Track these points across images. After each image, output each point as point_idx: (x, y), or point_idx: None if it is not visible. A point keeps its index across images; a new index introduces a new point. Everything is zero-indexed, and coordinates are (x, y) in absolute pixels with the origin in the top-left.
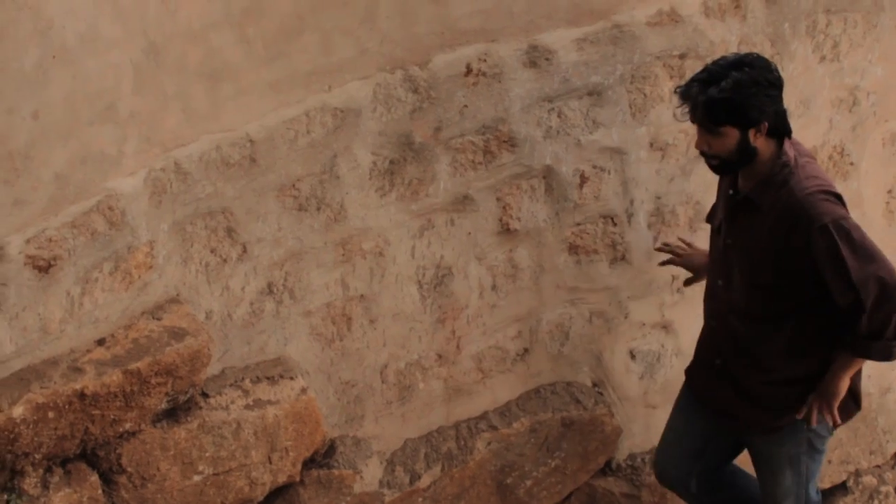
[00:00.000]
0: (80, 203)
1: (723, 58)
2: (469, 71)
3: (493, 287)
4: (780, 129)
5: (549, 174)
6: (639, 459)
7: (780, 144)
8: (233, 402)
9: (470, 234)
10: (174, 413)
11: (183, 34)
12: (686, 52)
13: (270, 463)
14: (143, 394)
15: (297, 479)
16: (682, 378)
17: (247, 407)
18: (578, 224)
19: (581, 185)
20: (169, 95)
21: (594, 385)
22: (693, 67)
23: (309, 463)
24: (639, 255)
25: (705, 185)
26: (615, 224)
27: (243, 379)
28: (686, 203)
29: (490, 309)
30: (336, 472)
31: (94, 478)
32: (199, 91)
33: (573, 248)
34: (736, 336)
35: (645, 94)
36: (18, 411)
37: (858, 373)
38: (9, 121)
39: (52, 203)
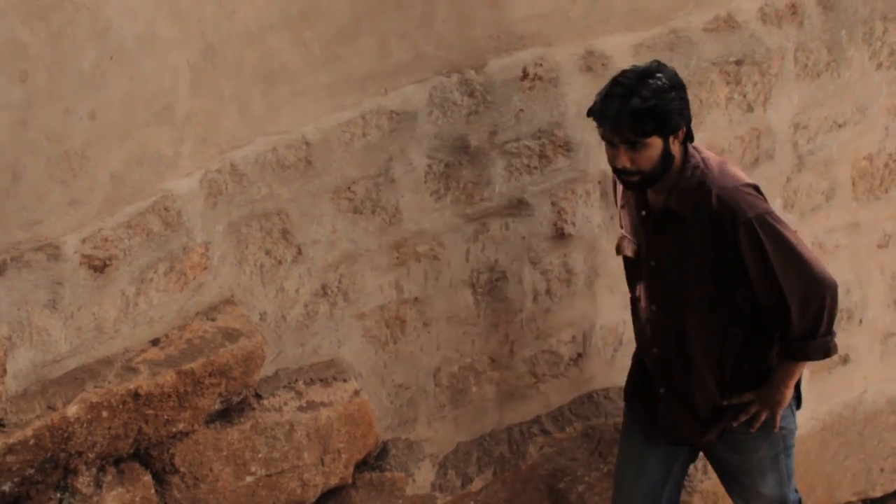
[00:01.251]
0: (135, 203)
1: (626, 71)
2: (525, 75)
3: (548, 291)
4: (689, 135)
5: (604, 179)
6: (689, 466)
7: (686, 149)
8: (286, 404)
9: (524, 238)
10: (227, 414)
11: (240, 36)
12: (742, 58)
13: (323, 465)
14: (196, 394)
15: (349, 481)
16: None
17: (300, 409)
18: None
19: None
20: (225, 97)
21: None
22: (749, 74)
23: (361, 465)
24: None
25: None
26: None
27: (297, 380)
28: None
29: (544, 313)
30: (388, 474)
31: (147, 477)
32: (256, 93)
33: None
34: (683, 359)
35: (701, 101)
36: (73, 410)
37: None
38: (66, 121)
39: (107, 203)
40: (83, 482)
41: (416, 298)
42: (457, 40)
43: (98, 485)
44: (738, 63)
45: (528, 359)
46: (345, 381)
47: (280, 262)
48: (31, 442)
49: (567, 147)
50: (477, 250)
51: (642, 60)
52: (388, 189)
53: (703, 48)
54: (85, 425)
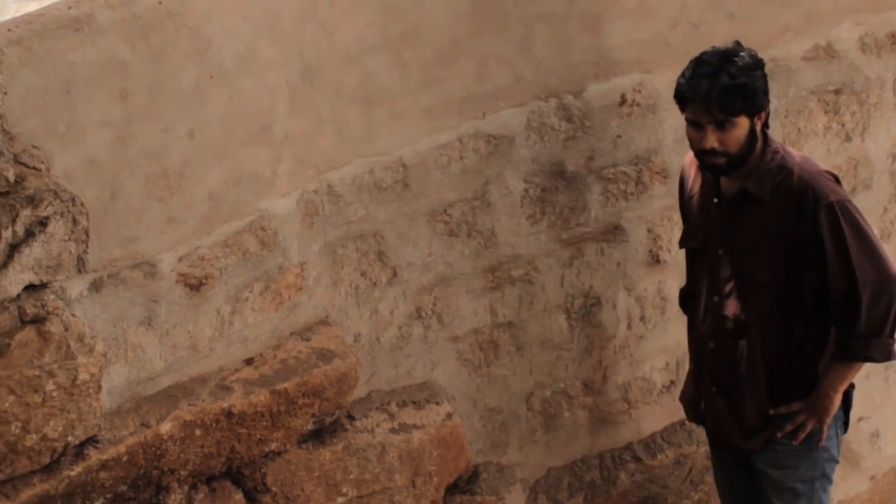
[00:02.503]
0: (232, 222)
1: (706, 51)
2: (623, 101)
3: (642, 318)
4: (769, 117)
5: None
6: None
7: (765, 136)
8: (378, 426)
9: (619, 264)
10: (320, 434)
11: (339, 57)
12: (841, 87)
13: (414, 487)
14: (289, 414)
15: None
16: None
17: (392, 430)
18: None
19: None
20: (323, 118)
21: None
22: (847, 103)
23: (452, 488)
24: None
25: None
26: None
27: (389, 402)
28: None
29: (637, 340)
30: (479, 498)
31: (239, 496)
32: (354, 114)
33: None
34: (739, 356)
35: (799, 129)
36: (166, 428)
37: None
38: (165, 139)
39: (204, 222)
40: (175, 500)
41: (509, 322)
42: (556, 65)
43: (190, 502)
44: (837, 92)
45: (620, 385)
46: (437, 403)
47: (375, 284)
48: (125, 458)
49: (664, 174)
50: (572, 275)
51: None
52: (484, 212)
53: (802, 76)
54: (178, 443)
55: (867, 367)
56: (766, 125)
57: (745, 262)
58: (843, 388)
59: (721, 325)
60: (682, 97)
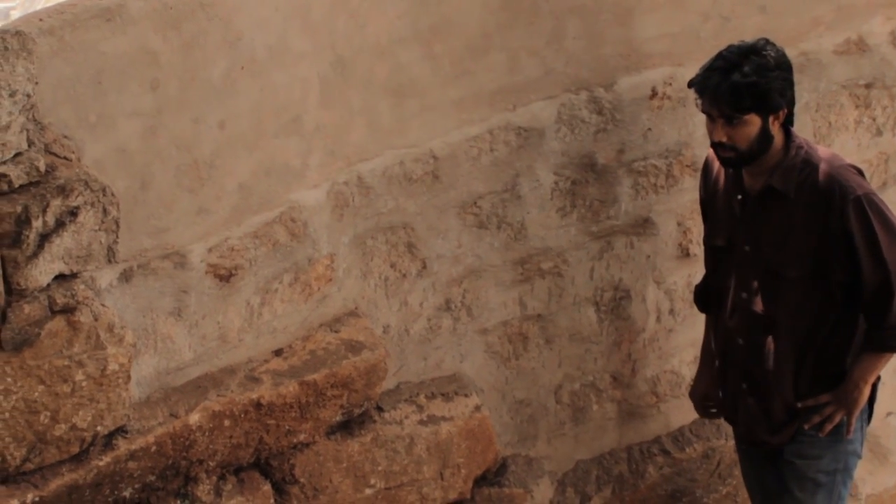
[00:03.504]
0: (262, 214)
1: (733, 45)
2: (654, 94)
3: (671, 311)
4: (791, 116)
5: None
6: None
7: (788, 133)
8: (407, 417)
9: (649, 257)
10: (348, 426)
11: (370, 49)
12: (872, 81)
13: (442, 479)
14: (318, 405)
15: (468, 496)
16: None
17: (421, 422)
18: None
19: None
20: (354, 110)
21: None
22: (879, 97)
23: (480, 481)
24: None
25: None
26: None
27: (418, 394)
28: None
29: (667, 333)
30: (507, 490)
31: (267, 487)
32: (385, 106)
33: None
34: (768, 350)
35: (830, 123)
36: (195, 418)
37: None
38: (195, 130)
39: (234, 213)
40: (203, 490)
41: (539, 315)
42: (586, 58)
43: (218, 493)
44: (868, 86)
45: (649, 378)
46: (466, 396)
47: (405, 276)
48: (153, 449)
49: (694, 167)
50: (601, 268)
51: None
52: (514, 205)
53: (833, 71)
54: (206, 433)
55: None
56: (789, 122)
57: (773, 259)
58: (872, 379)
59: (750, 322)
60: (695, 89)
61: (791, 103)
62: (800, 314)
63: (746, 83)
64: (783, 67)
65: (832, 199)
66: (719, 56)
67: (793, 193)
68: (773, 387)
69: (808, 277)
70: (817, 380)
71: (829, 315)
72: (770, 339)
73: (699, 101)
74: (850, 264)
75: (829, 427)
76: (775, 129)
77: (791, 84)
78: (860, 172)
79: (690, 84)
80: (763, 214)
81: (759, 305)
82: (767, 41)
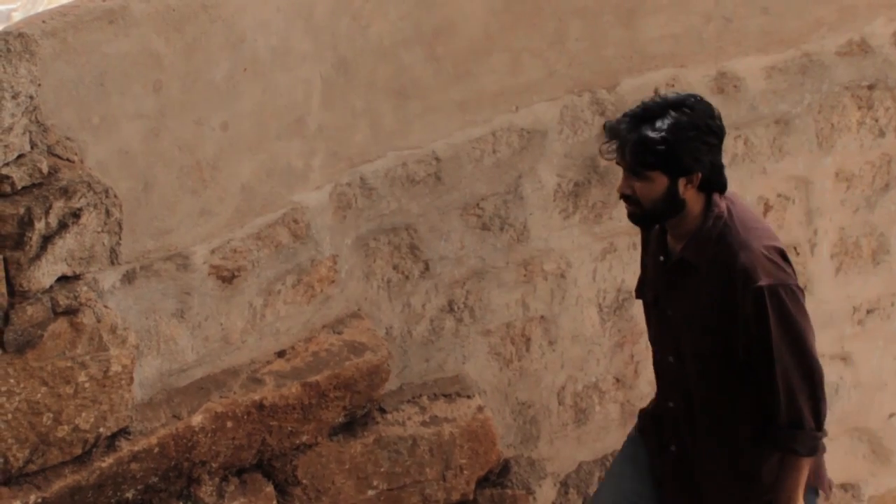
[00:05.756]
0: (265, 215)
1: (661, 96)
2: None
3: None
4: (714, 183)
5: None
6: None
7: (710, 197)
8: (409, 419)
9: None
10: (351, 427)
11: (373, 50)
12: (875, 82)
13: (444, 480)
14: (321, 407)
15: (471, 497)
16: (861, 410)
17: (423, 424)
18: None
19: (765, 213)
20: (357, 111)
21: None
22: (881, 98)
23: (483, 482)
24: (821, 285)
25: (890, 218)
26: (798, 253)
27: (421, 395)
28: (870, 235)
29: None
30: (510, 492)
31: (270, 489)
32: (387, 108)
33: None
34: (695, 419)
35: (832, 124)
36: (197, 420)
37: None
38: (198, 131)
39: (237, 214)
40: (206, 492)
41: (541, 316)
42: (589, 59)
43: (221, 495)
44: (871, 88)
45: (652, 380)
46: (469, 397)
47: (407, 277)
48: (156, 450)
49: None
50: (604, 269)
51: (775, 83)
52: (516, 206)
53: (836, 72)
54: (209, 435)
55: None
56: (712, 187)
57: (689, 328)
58: (799, 494)
59: (676, 387)
60: (606, 133)
61: (711, 168)
62: (719, 388)
63: (654, 139)
64: (705, 130)
65: (737, 281)
66: (642, 104)
67: (704, 268)
68: (704, 460)
69: (719, 354)
70: (755, 463)
71: (749, 392)
72: (695, 408)
73: (606, 147)
74: (748, 350)
75: None
76: (688, 194)
77: (713, 148)
78: (782, 255)
79: (604, 126)
80: (679, 282)
81: (682, 372)
82: (700, 99)
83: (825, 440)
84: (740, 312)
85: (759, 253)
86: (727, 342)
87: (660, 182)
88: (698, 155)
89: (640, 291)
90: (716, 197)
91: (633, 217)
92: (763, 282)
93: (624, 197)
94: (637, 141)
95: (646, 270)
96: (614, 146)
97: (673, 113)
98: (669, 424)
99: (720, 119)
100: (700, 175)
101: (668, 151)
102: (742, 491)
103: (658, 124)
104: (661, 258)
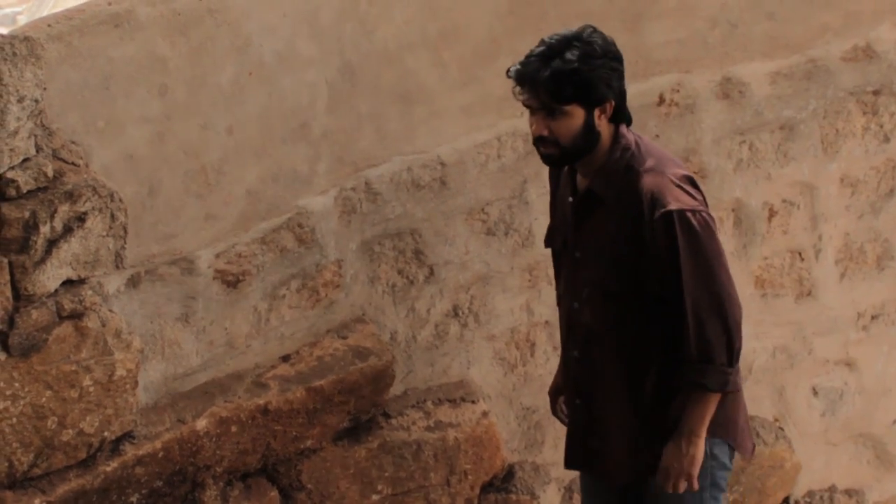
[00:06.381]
0: (270, 220)
1: (556, 34)
2: (662, 101)
3: None
4: (621, 113)
5: (737, 207)
6: (817, 497)
7: (617, 129)
8: (414, 424)
9: None
10: (355, 432)
11: (379, 55)
12: (880, 88)
13: (449, 486)
14: (325, 411)
15: (475, 502)
16: (865, 416)
17: (428, 429)
18: (765, 258)
19: (769, 219)
20: (362, 115)
21: (775, 420)
22: (886, 104)
23: (487, 487)
24: (825, 291)
25: (895, 224)
26: (802, 259)
27: (425, 400)
28: (875, 241)
29: None
30: (514, 497)
31: (274, 493)
32: (393, 112)
33: (759, 282)
34: (600, 367)
35: (837, 130)
36: (202, 424)
37: (736, 404)
38: (203, 135)
39: (242, 218)
40: (210, 496)
41: (546, 321)
42: None
43: (225, 499)
44: (876, 93)
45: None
46: (473, 402)
47: (412, 282)
48: (160, 455)
49: (702, 173)
50: None
51: (780, 88)
52: (521, 211)
53: (841, 77)
54: (214, 439)
55: None
56: (619, 118)
57: (594, 268)
58: (703, 429)
59: (581, 334)
60: (513, 77)
61: (620, 96)
62: (626, 330)
63: (568, 70)
64: (610, 56)
65: (644, 209)
66: (541, 43)
67: (613, 200)
68: (610, 410)
69: (627, 292)
70: (661, 400)
71: (655, 332)
72: (601, 354)
73: (518, 92)
74: (661, 282)
75: (676, 486)
76: (602, 125)
77: (620, 75)
78: (692, 183)
79: (508, 72)
80: (588, 219)
81: (587, 316)
82: (594, 29)
83: (744, 385)
84: (650, 241)
85: (668, 180)
86: (636, 276)
87: (577, 115)
88: (610, 81)
89: (550, 240)
90: (623, 129)
91: (549, 159)
92: (672, 206)
93: (540, 140)
94: (551, 76)
95: (555, 217)
96: (527, 88)
97: (577, 44)
98: (573, 375)
99: (616, 45)
100: (612, 103)
101: (582, 80)
102: (644, 433)
103: (567, 56)
104: (570, 198)
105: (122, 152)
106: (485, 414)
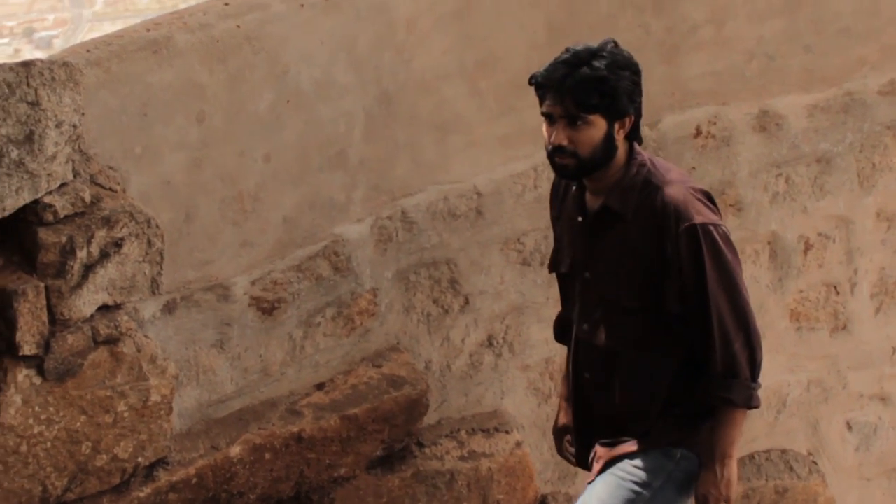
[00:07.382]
0: (306, 247)
1: (580, 44)
2: (699, 133)
3: None
4: (637, 131)
5: (773, 240)
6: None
7: (632, 146)
8: (447, 453)
9: None
10: (389, 460)
11: (416, 84)
12: None
13: None
14: (359, 440)
15: None
16: None
17: (461, 458)
18: (801, 291)
19: (805, 252)
20: (399, 144)
21: (809, 454)
22: None
23: None
24: (860, 325)
25: None
26: (838, 293)
27: (459, 430)
28: None
29: None
30: None
31: None
32: (429, 141)
33: (794, 315)
34: (613, 388)
35: (874, 164)
36: (236, 451)
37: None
38: (240, 162)
39: (278, 246)
40: None
41: None
42: None
43: None
44: None
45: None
46: (507, 432)
47: (447, 312)
48: (194, 481)
49: (738, 206)
50: None
51: (817, 121)
52: None
53: (878, 111)
54: (247, 466)
55: None
56: (634, 136)
57: (608, 287)
58: (734, 450)
59: (594, 356)
60: (537, 84)
61: (637, 114)
62: (642, 349)
63: (596, 77)
64: (633, 70)
65: (668, 223)
66: (567, 50)
67: (630, 216)
68: (621, 429)
69: (646, 309)
70: (670, 422)
71: (673, 353)
72: (614, 374)
73: (541, 99)
74: (683, 297)
75: None
76: (619, 139)
77: (640, 91)
78: (710, 199)
79: (532, 78)
80: (601, 237)
81: (600, 338)
82: (616, 43)
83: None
84: (672, 255)
85: (689, 194)
86: (656, 292)
87: (599, 126)
88: (633, 95)
89: (555, 264)
90: (636, 146)
91: (565, 170)
92: (697, 220)
93: (558, 150)
94: (580, 82)
95: (560, 240)
96: (552, 94)
97: (603, 54)
98: (584, 399)
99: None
100: (632, 119)
101: (609, 90)
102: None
103: (595, 64)
104: (580, 218)
105: (160, 178)
106: (518, 444)
